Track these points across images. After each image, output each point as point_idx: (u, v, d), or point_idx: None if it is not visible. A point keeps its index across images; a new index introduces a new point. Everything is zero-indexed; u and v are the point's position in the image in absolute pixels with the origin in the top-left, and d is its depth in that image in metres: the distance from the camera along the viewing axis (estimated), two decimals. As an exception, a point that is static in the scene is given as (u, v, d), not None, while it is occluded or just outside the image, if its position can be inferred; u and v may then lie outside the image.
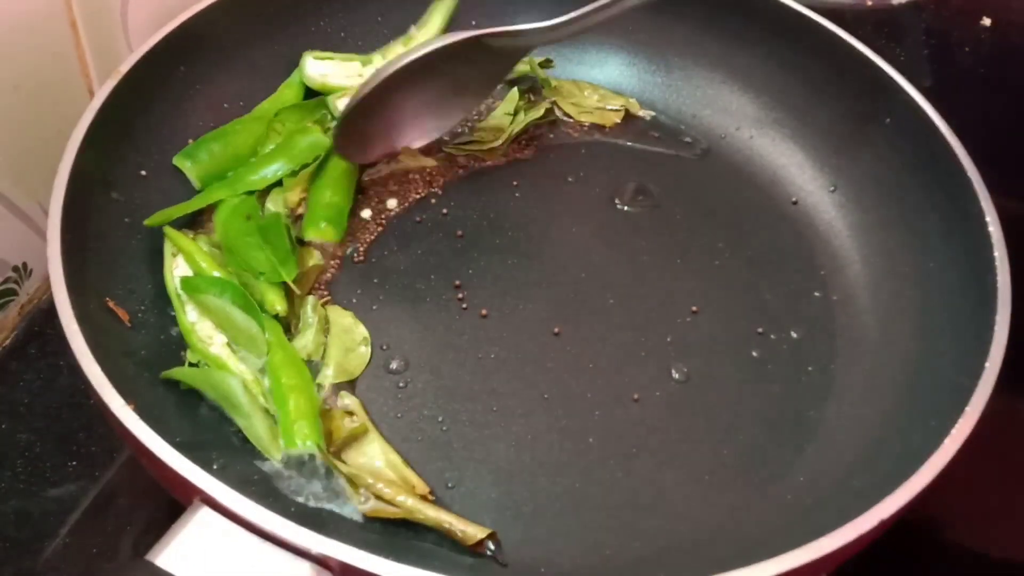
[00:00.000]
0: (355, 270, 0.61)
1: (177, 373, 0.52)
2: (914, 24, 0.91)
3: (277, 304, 0.56)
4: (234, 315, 0.54)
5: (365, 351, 0.57)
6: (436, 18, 0.71)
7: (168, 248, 0.58)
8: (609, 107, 0.72)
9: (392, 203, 0.65)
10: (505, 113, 0.70)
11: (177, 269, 0.57)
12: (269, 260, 0.57)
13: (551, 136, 0.71)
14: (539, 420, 0.55)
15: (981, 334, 0.51)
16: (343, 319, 0.58)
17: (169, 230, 0.58)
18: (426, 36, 0.71)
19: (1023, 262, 0.54)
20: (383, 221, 0.64)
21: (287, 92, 0.68)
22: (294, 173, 0.62)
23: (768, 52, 0.70)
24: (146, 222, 0.57)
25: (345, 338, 0.57)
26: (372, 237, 0.63)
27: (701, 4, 0.71)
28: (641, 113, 0.73)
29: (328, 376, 0.55)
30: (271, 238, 0.58)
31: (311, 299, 0.58)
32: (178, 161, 0.62)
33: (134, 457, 0.47)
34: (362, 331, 0.57)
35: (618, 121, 0.72)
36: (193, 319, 0.55)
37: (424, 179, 0.67)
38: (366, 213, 0.65)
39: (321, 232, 0.61)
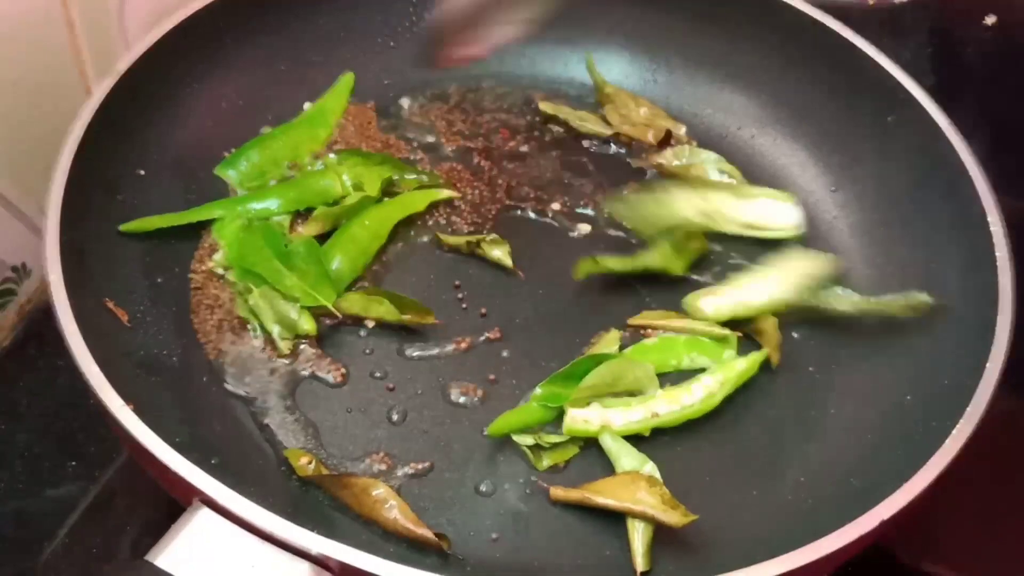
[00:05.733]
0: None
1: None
2: (918, 22, 0.90)
3: (307, 325, 0.56)
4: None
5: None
6: None
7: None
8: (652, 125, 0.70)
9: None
10: None
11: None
12: (299, 286, 0.56)
13: (549, 134, 0.71)
14: (539, 420, 0.54)
15: (983, 334, 0.51)
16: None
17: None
18: None
19: (1025, 262, 0.54)
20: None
21: (331, 101, 0.68)
22: (295, 212, 0.61)
23: (770, 51, 0.70)
24: (122, 228, 0.56)
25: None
26: (372, 236, 0.63)
27: (703, 3, 0.71)
28: (682, 135, 0.70)
29: None
30: (300, 264, 0.57)
31: None
32: (220, 171, 0.62)
33: (133, 457, 0.47)
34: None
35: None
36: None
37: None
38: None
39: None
